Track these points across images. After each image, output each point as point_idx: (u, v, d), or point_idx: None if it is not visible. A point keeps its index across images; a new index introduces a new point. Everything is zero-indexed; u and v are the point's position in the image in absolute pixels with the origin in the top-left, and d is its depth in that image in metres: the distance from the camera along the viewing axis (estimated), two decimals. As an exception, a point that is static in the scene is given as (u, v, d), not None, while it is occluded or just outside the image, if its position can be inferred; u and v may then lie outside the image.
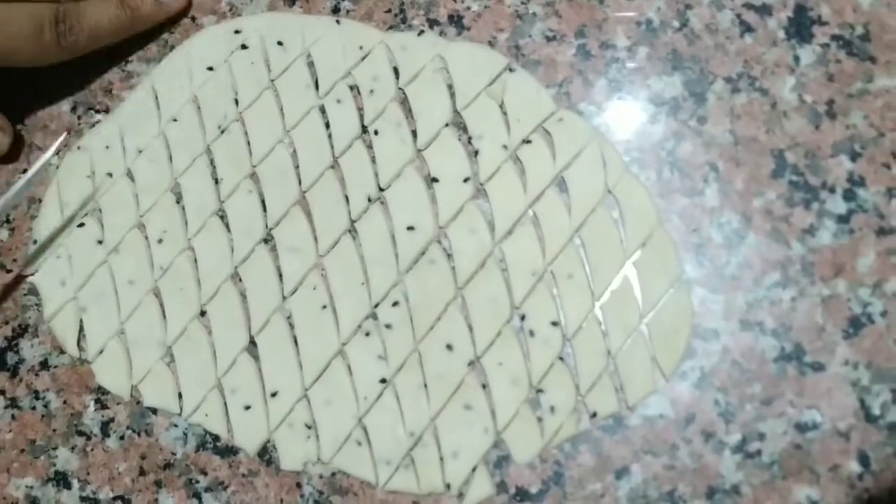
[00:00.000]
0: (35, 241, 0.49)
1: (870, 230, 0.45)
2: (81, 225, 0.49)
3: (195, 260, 0.48)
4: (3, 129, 0.49)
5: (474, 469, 0.44)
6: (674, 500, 0.43)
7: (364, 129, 0.48)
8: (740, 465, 0.43)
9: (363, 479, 0.44)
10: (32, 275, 0.49)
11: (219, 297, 0.47)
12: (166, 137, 0.50)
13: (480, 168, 0.47)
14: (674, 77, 0.47)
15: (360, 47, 0.49)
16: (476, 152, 0.47)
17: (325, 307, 0.46)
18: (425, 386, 0.45)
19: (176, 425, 0.47)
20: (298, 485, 0.45)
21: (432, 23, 0.50)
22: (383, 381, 0.45)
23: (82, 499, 0.46)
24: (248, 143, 0.49)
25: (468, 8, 0.50)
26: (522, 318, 0.45)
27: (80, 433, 0.47)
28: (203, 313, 0.47)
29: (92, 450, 0.47)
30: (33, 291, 0.49)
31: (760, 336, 0.44)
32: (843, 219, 0.45)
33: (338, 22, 0.50)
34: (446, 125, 0.48)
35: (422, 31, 0.49)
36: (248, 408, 0.46)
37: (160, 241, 0.48)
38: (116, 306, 0.48)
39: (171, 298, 0.47)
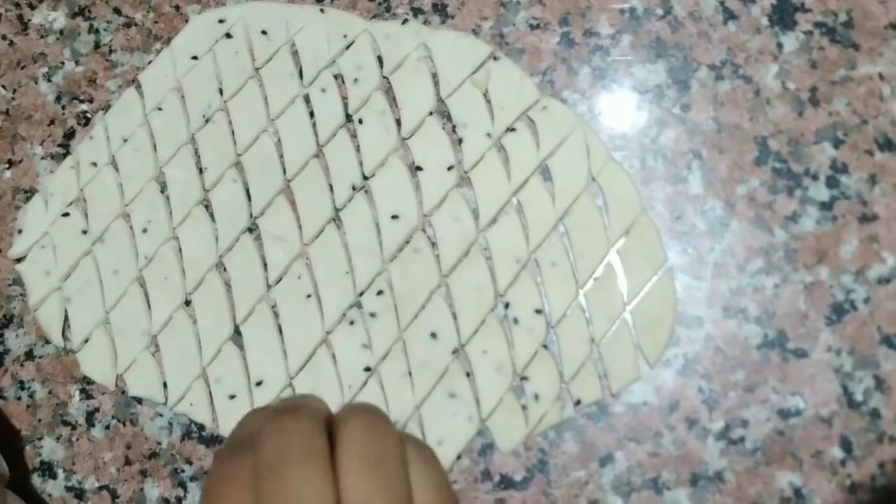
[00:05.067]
0: (20, 231, 0.49)
1: (853, 217, 0.45)
2: (66, 215, 0.49)
3: (180, 249, 0.48)
4: None
5: (458, 457, 0.44)
6: (657, 486, 0.43)
7: (348, 117, 0.48)
8: (724, 451, 0.43)
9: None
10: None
11: (203, 286, 0.47)
12: (150, 127, 0.49)
13: (464, 156, 0.47)
14: (657, 65, 0.48)
15: (345, 36, 0.49)
16: (460, 140, 0.47)
17: (309, 296, 0.46)
18: (410, 374, 0.45)
19: (161, 415, 0.47)
20: (283, 473, 0.45)
21: (416, 11, 0.50)
22: (368, 369, 0.45)
23: (67, 488, 0.46)
24: (233, 132, 0.49)
25: (452, -4, 0.50)
26: (507, 305, 0.45)
27: (66, 423, 0.47)
28: (188, 303, 0.47)
29: (77, 439, 0.47)
30: (18, 281, 0.49)
31: (744, 323, 0.44)
32: (825, 206, 0.45)
33: (322, 10, 0.50)
34: (430, 113, 0.48)
35: (406, 20, 0.49)
36: (233, 397, 0.46)
37: (145, 230, 0.48)
38: (101, 296, 0.48)
39: (156, 288, 0.47)
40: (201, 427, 0.46)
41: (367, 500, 0.25)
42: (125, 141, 0.49)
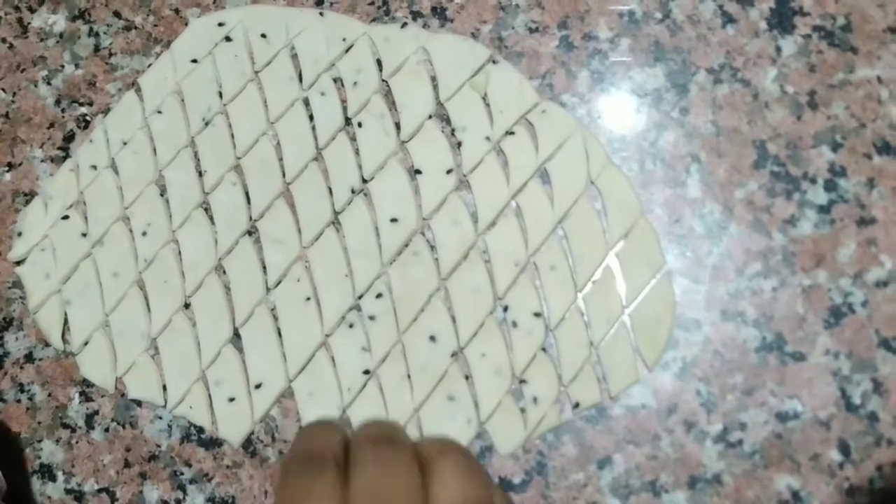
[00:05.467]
0: (20, 234, 0.49)
1: (850, 220, 0.45)
2: (66, 217, 0.49)
3: (179, 252, 0.48)
4: None
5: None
6: (656, 489, 0.43)
7: (348, 121, 0.49)
8: (722, 454, 0.43)
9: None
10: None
11: (203, 289, 0.47)
12: (150, 130, 0.50)
13: (464, 160, 0.47)
14: (656, 68, 0.48)
15: (344, 39, 0.49)
16: (459, 144, 0.47)
17: (308, 299, 0.46)
18: (409, 377, 0.45)
19: (160, 417, 0.47)
20: (282, 476, 0.45)
21: (416, 15, 0.50)
22: (367, 372, 0.45)
23: (67, 491, 0.46)
24: (232, 135, 0.49)
25: (451, 0, 0.50)
26: (505, 309, 0.45)
27: (65, 426, 0.47)
28: (187, 305, 0.47)
29: (77, 442, 0.47)
30: (17, 284, 0.49)
31: (742, 326, 0.44)
32: (824, 209, 0.45)
33: (321, 14, 0.50)
34: (429, 117, 0.48)
35: (405, 23, 0.49)
36: (232, 400, 0.46)
37: (144, 233, 0.48)
38: (101, 299, 0.48)
39: (156, 291, 0.48)
40: (200, 430, 0.46)
41: None
42: (125, 144, 0.50)
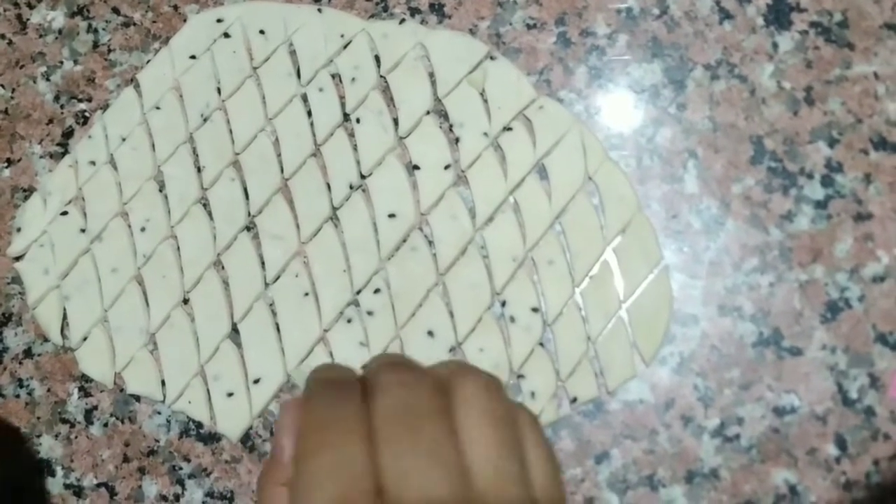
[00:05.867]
0: (19, 229, 0.49)
1: (847, 216, 0.45)
2: (65, 213, 0.49)
3: (178, 248, 0.48)
4: None
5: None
6: (653, 484, 0.43)
7: (346, 117, 0.49)
8: (719, 448, 0.43)
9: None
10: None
11: (201, 284, 0.47)
12: (149, 126, 0.50)
13: (461, 155, 0.47)
14: (654, 64, 0.48)
15: (342, 35, 0.49)
16: (457, 140, 0.48)
17: (307, 294, 0.46)
18: (407, 372, 0.45)
19: (159, 412, 0.47)
20: (281, 471, 0.45)
21: (414, 11, 0.50)
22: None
23: (66, 486, 0.46)
24: (231, 131, 0.49)
25: (450, -4, 0.50)
26: (503, 304, 0.46)
27: (64, 421, 0.47)
28: (186, 301, 0.48)
29: (76, 437, 0.47)
30: (17, 280, 0.49)
31: (739, 321, 0.44)
32: (820, 204, 0.45)
33: (319, 10, 0.50)
34: (427, 113, 0.48)
35: (403, 20, 0.50)
36: (230, 395, 0.46)
37: (143, 229, 0.48)
38: (100, 294, 0.48)
39: (154, 286, 0.48)
40: (199, 425, 0.46)
41: (491, 457, 0.24)
42: (123, 140, 0.50)
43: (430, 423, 0.24)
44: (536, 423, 0.27)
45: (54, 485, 0.46)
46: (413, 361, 0.27)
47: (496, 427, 0.25)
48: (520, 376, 0.45)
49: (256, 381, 0.46)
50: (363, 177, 0.48)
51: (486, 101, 0.48)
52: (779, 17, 0.47)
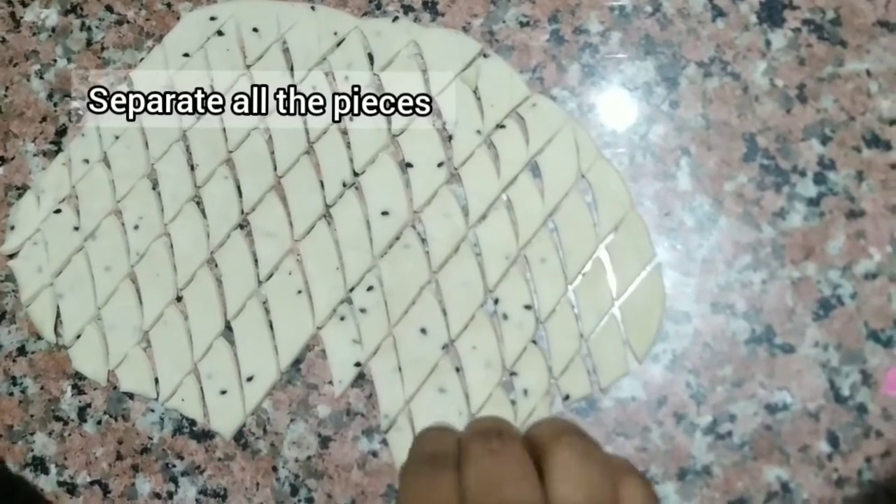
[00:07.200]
0: (12, 227, 0.49)
1: (840, 213, 0.45)
2: (58, 211, 0.49)
3: (171, 246, 0.48)
4: None
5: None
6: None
7: (339, 114, 0.49)
8: (711, 446, 0.43)
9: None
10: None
11: (195, 282, 0.47)
12: (142, 124, 0.50)
13: (454, 153, 0.47)
14: (647, 62, 0.48)
15: (335, 33, 0.49)
16: (450, 137, 0.48)
17: (300, 292, 0.46)
18: (400, 369, 0.45)
19: (152, 410, 0.47)
20: (274, 468, 0.45)
21: (407, 9, 0.50)
22: (358, 364, 0.45)
23: (60, 483, 0.46)
24: (224, 129, 0.49)
25: (443, -6, 0.50)
26: (496, 301, 0.46)
27: (58, 418, 0.47)
28: (179, 298, 0.48)
29: (69, 435, 0.47)
30: (10, 278, 0.49)
31: (731, 318, 0.44)
32: (813, 202, 0.45)
33: (313, 8, 0.50)
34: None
35: (396, 17, 0.50)
36: (223, 392, 0.46)
37: (136, 227, 0.48)
38: (93, 292, 0.48)
39: (148, 284, 0.48)
40: (192, 422, 0.46)
41: None
42: (117, 138, 0.50)
43: (515, 490, 0.24)
44: (645, 486, 0.26)
45: (48, 482, 0.46)
46: (505, 425, 0.27)
47: (591, 495, 0.25)
48: (512, 374, 0.45)
49: (250, 379, 0.46)
50: (356, 174, 0.48)
51: (479, 98, 0.48)
52: (771, 14, 0.47)
